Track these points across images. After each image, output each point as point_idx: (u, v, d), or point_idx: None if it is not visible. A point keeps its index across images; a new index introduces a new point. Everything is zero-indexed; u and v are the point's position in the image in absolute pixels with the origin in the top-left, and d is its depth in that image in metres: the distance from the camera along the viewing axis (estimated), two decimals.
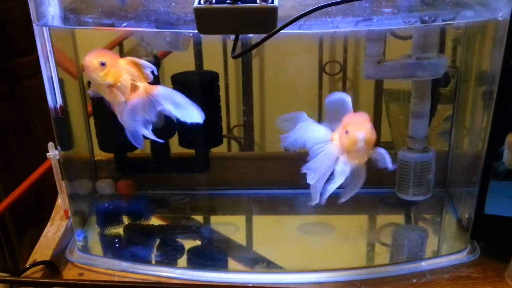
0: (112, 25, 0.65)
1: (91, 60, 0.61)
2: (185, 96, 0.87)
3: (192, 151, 0.91)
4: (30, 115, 1.34)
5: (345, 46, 1.15)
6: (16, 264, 1.31)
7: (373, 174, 0.94)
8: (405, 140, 0.87)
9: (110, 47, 1.04)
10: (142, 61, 0.64)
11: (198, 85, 0.89)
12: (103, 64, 0.61)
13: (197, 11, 0.56)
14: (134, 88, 0.64)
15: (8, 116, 1.32)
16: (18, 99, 1.33)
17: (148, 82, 0.65)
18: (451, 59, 0.88)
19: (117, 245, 0.85)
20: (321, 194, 0.67)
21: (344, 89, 1.22)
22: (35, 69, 0.72)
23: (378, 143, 0.65)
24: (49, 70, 0.72)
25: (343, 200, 0.68)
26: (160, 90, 0.65)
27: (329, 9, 0.61)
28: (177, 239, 0.85)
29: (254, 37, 0.63)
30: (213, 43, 0.95)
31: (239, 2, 0.56)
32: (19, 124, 1.34)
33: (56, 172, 0.84)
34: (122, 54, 1.15)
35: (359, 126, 0.62)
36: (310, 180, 0.66)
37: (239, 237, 0.87)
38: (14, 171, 1.19)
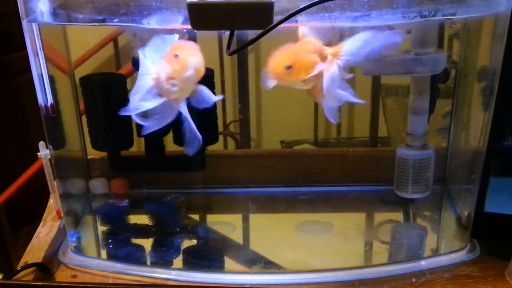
0: (103, 21, 0.64)
1: (276, 66, 0.58)
2: None
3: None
4: (25, 110, 1.33)
5: (340, 40, 1.14)
6: (9, 262, 1.31)
7: (371, 172, 0.94)
8: (402, 136, 0.86)
9: (103, 44, 1.02)
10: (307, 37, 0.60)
11: None
12: (289, 67, 0.58)
13: (191, 6, 0.55)
14: (322, 59, 0.60)
15: (2, 111, 1.31)
16: (12, 94, 1.32)
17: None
18: (449, 54, 0.86)
19: (111, 246, 0.83)
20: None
21: None
22: (29, 64, 0.70)
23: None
24: (39, 67, 0.70)
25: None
26: (345, 48, 0.61)
27: (326, 3, 0.60)
28: (173, 239, 0.84)
29: (249, 33, 0.62)
30: (208, 39, 0.93)
31: None
32: (14, 119, 1.33)
33: (48, 171, 0.82)
34: (117, 49, 1.15)
35: (190, 52, 0.58)
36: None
37: (236, 237, 0.86)
38: (9, 167, 1.18)
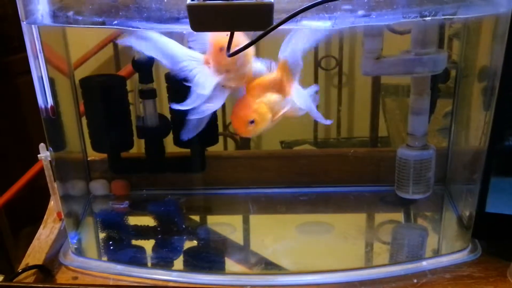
0: (102, 23, 0.64)
1: (239, 123, 0.60)
2: (180, 94, 0.86)
3: (188, 150, 0.90)
4: (24, 112, 1.33)
5: (340, 41, 1.14)
6: (10, 264, 1.30)
7: (372, 172, 0.94)
8: (402, 136, 0.86)
9: (103, 45, 1.02)
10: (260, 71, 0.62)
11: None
12: (252, 122, 0.60)
13: (191, 8, 0.54)
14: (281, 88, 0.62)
15: (2, 112, 1.31)
16: (11, 96, 1.32)
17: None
18: (449, 54, 0.86)
19: (111, 248, 0.83)
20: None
21: (340, 84, 1.21)
22: (28, 66, 0.70)
23: None
24: (39, 69, 0.70)
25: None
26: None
27: (326, 4, 0.59)
28: (173, 241, 0.84)
29: (249, 33, 0.61)
30: None
31: None
32: (13, 121, 1.33)
33: (48, 173, 0.82)
34: (116, 50, 1.15)
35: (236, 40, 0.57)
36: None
37: (236, 238, 0.86)
38: (8, 169, 1.18)
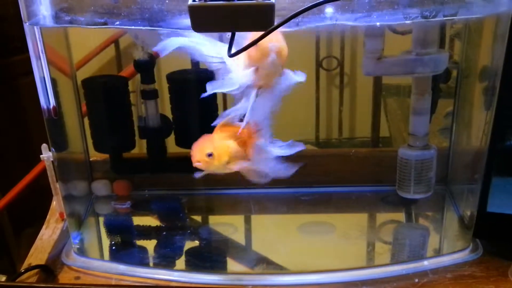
0: (104, 24, 0.64)
1: (198, 153, 0.62)
2: (182, 95, 0.87)
3: (189, 150, 0.90)
4: (26, 113, 1.33)
5: (342, 41, 1.14)
6: (12, 264, 1.31)
7: (373, 172, 0.94)
8: (403, 136, 0.86)
9: (104, 46, 1.02)
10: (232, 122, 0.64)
11: (194, 84, 0.87)
12: (210, 155, 0.62)
13: (192, 8, 0.55)
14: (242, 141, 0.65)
15: (4, 113, 1.31)
16: (12, 97, 1.32)
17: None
18: (450, 54, 0.86)
19: (113, 248, 0.83)
20: None
21: (341, 85, 1.21)
22: (30, 67, 0.70)
23: None
24: (41, 70, 0.70)
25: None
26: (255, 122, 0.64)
27: (327, 4, 0.60)
28: (175, 241, 0.84)
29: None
30: None
31: None
32: (14, 122, 1.33)
33: (50, 174, 0.82)
34: (118, 51, 1.15)
35: (269, 37, 0.56)
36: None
37: (238, 238, 0.86)
38: (11, 170, 1.18)
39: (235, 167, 0.65)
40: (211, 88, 0.61)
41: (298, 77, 0.63)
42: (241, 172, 0.67)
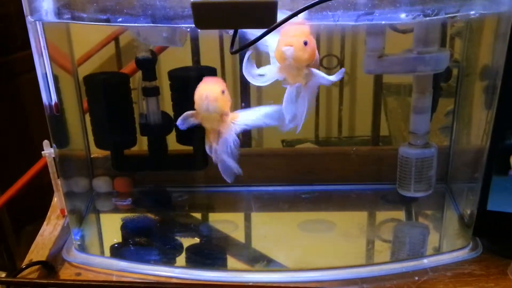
0: (107, 20, 0.64)
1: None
2: (183, 92, 0.86)
3: (190, 147, 0.90)
4: (27, 110, 1.33)
5: (342, 39, 1.14)
6: (13, 260, 1.31)
7: (373, 170, 0.94)
8: (404, 135, 0.86)
9: (105, 43, 1.03)
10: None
11: (195, 81, 0.87)
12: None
13: (195, 5, 0.55)
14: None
15: (4, 111, 1.31)
16: (14, 95, 1.32)
17: None
18: (451, 52, 0.87)
19: (114, 244, 0.84)
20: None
21: (341, 83, 1.22)
22: (31, 64, 0.71)
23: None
24: (43, 66, 0.70)
25: (299, 128, 0.67)
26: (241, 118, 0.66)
27: (329, 2, 0.60)
28: (176, 238, 0.84)
29: (252, 31, 0.62)
30: (210, 38, 0.94)
31: None
32: (16, 119, 1.33)
33: (52, 170, 0.83)
34: (118, 49, 1.15)
35: (290, 39, 0.56)
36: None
37: (238, 235, 0.86)
38: (11, 167, 1.19)
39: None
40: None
41: (331, 77, 0.62)
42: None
